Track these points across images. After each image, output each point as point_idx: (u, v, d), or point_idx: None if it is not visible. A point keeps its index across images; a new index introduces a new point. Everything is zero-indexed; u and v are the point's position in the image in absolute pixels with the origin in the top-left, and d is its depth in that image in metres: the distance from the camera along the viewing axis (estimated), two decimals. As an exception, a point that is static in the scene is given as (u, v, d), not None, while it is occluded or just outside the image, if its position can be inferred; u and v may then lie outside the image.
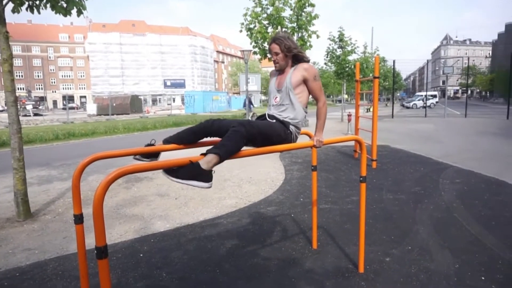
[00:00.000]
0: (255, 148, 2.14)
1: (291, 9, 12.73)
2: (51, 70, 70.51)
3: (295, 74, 2.33)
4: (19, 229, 3.79)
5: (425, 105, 25.23)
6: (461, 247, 3.07)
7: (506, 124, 15.59)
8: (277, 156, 7.72)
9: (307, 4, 12.47)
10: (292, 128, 2.31)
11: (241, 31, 12.86)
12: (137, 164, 1.56)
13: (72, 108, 54.62)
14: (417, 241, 3.22)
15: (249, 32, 12.62)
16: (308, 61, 2.41)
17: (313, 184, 3.09)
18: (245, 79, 15.31)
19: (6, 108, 4.08)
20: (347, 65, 17.51)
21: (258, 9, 12.50)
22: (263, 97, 59.00)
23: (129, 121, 22.08)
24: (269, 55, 2.48)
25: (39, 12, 4.09)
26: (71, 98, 67.66)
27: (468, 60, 24.69)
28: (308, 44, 12.95)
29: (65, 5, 4.04)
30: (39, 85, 68.37)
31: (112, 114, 28.65)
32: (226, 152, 1.84)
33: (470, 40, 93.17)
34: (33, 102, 38.44)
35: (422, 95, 36.70)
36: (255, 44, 12.71)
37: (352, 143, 8.47)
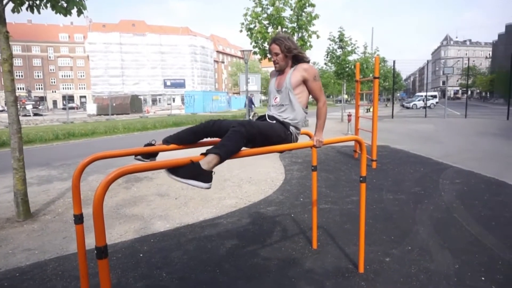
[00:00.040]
0: (255, 148, 2.14)
1: (291, 9, 12.74)
2: (51, 70, 70.51)
3: (294, 74, 2.33)
4: (19, 229, 3.79)
5: (425, 105, 25.25)
6: (461, 247, 3.07)
7: (506, 124, 15.59)
8: (277, 156, 7.72)
9: (307, 4, 12.47)
10: (292, 129, 2.31)
11: (241, 31, 12.87)
12: (137, 164, 1.56)
13: (72, 108, 54.62)
14: (417, 241, 3.22)
15: (249, 32, 12.62)
16: (308, 62, 2.40)
17: (313, 184, 3.09)
18: (245, 79, 15.31)
19: (6, 108, 4.08)
20: (347, 65, 17.51)
21: (258, 9, 12.51)
22: (263, 97, 58.99)
23: (129, 121, 22.08)
24: (269, 56, 2.47)
25: (39, 12, 4.09)
26: (71, 98, 67.67)
27: (468, 60, 24.70)
28: (308, 44, 12.95)
29: (65, 5, 4.05)
30: (39, 85, 68.36)
31: (112, 114, 28.65)
32: (226, 152, 1.84)
33: (470, 40, 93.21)
34: (33, 102, 38.45)
35: (422, 96, 36.71)
36: (255, 44, 12.71)
37: (352, 143, 8.47)
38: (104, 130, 15.14)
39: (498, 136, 11.47)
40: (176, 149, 2.25)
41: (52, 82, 70.75)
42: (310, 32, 12.85)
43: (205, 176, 1.75)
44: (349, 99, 52.80)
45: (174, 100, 59.56)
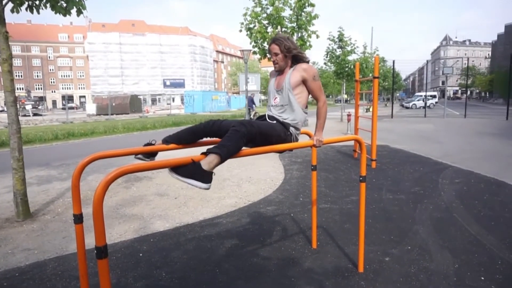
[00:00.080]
0: (255, 147, 2.14)
1: (291, 9, 12.72)
2: (50, 70, 70.44)
3: (294, 74, 2.33)
4: (19, 229, 3.79)
5: (425, 105, 25.26)
6: (461, 247, 3.07)
7: (506, 124, 15.60)
8: (277, 156, 7.72)
9: (307, 4, 12.45)
10: (292, 129, 2.32)
11: (240, 31, 12.85)
12: (136, 163, 1.56)
13: (72, 108, 54.60)
14: (416, 241, 3.22)
15: (248, 32, 12.61)
16: (307, 62, 2.40)
17: (312, 183, 3.10)
18: (244, 79, 15.31)
19: (5, 108, 4.08)
20: (346, 65, 17.50)
21: (258, 9, 12.49)
22: (263, 97, 59.00)
23: (129, 120, 22.07)
24: (268, 55, 2.47)
25: (38, 12, 4.09)
26: (70, 98, 67.65)
27: (468, 60, 24.71)
28: (308, 44, 12.94)
29: (64, 5, 4.04)
30: (38, 85, 68.28)
31: (112, 114, 28.63)
32: (227, 152, 1.85)
33: (469, 40, 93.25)
34: (33, 102, 38.38)
35: (421, 95, 36.76)
36: (254, 44, 12.69)
37: (351, 143, 8.47)
38: (104, 130, 15.13)
39: (497, 136, 11.48)
40: (176, 148, 2.25)
41: (51, 82, 70.68)
42: (309, 32, 12.84)
43: (205, 177, 1.75)
44: (348, 99, 52.81)
45: (173, 100, 59.49)
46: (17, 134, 3.99)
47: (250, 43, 12.78)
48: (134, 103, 37.66)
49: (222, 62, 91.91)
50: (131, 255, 3.05)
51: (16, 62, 63.77)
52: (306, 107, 2.42)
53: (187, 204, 4.55)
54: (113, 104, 32.92)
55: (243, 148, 1.97)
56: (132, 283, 2.58)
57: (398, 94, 65.25)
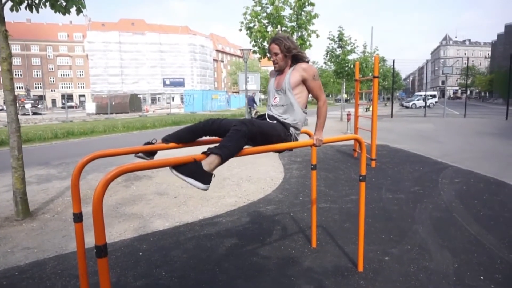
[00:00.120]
0: (255, 147, 2.14)
1: (290, 8, 12.71)
2: (50, 69, 70.34)
3: (293, 74, 2.32)
4: (18, 228, 3.79)
5: (425, 105, 25.26)
6: (460, 246, 3.08)
7: (505, 124, 15.61)
8: (276, 155, 7.72)
9: (307, 3, 12.44)
10: (292, 130, 2.32)
11: (240, 30, 12.83)
12: (136, 162, 1.56)
13: (71, 107, 54.54)
14: (416, 241, 3.22)
15: (248, 31, 12.59)
16: (307, 62, 2.40)
17: (312, 183, 3.09)
18: (244, 78, 15.30)
19: (5, 107, 4.07)
20: (346, 64, 17.49)
21: (258, 8, 12.47)
22: (263, 96, 59.01)
23: (128, 120, 22.06)
24: (268, 55, 2.46)
25: (37, 11, 4.08)
26: (70, 97, 67.51)
27: (468, 60, 24.73)
28: (307, 43, 12.93)
29: (64, 3, 4.03)
30: (38, 84, 68.20)
31: (111, 113, 28.63)
32: (228, 153, 1.84)
33: (469, 40, 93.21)
34: (32, 101, 38.31)
35: (421, 95, 36.77)
36: (254, 43, 12.67)
37: (351, 142, 8.48)
38: (103, 129, 15.12)
39: (497, 135, 11.49)
40: (175, 147, 2.25)
41: (51, 81, 70.59)
42: (309, 31, 12.83)
43: (205, 178, 1.75)
44: (348, 98, 52.82)
45: (173, 99, 59.54)
46: (17, 133, 3.99)
47: (250, 42, 12.77)
48: (133, 102, 37.64)
49: (222, 61, 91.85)
50: (131, 254, 3.05)
51: (16, 61, 63.71)
52: (306, 107, 2.42)
53: (186, 203, 4.55)
54: (113, 103, 32.91)
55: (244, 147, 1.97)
56: (132, 282, 2.58)
57: (398, 94, 65.25)
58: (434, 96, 40.34)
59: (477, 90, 71.81)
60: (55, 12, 4.04)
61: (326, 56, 18.23)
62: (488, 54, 79.79)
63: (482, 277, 2.55)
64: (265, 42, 12.34)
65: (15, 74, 58.87)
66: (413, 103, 36.73)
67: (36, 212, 4.27)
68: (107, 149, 2.09)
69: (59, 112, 41.87)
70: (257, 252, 3.06)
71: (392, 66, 25.87)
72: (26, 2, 3.99)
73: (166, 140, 2.24)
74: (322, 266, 2.78)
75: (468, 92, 52.53)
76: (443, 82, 73.81)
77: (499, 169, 6.11)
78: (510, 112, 17.42)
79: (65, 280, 2.62)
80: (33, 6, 4.02)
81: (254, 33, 12.35)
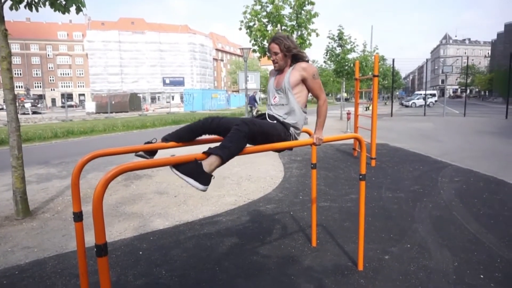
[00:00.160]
0: (254, 146, 2.14)
1: (290, 7, 12.69)
2: (49, 68, 70.25)
3: (293, 74, 2.32)
4: (18, 227, 3.79)
5: (425, 104, 25.26)
6: (460, 245, 3.08)
7: (505, 123, 15.62)
8: (276, 154, 7.72)
9: (306, 2, 12.42)
10: (292, 129, 2.32)
11: (240, 29, 12.82)
12: (136, 161, 1.56)
13: (71, 106, 54.45)
14: (416, 239, 3.22)
15: (248, 30, 12.58)
16: (307, 61, 2.40)
17: (312, 182, 3.09)
18: (244, 77, 15.29)
19: (4, 106, 4.07)
20: (346, 63, 17.48)
21: (258, 7, 12.45)
22: (263, 95, 59.01)
23: (128, 119, 22.06)
24: (268, 54, 2.46)
25: (37, 10, 4.08)
26: (69, 96, 67.41)
27: (468, 59, 24.72)
28: (307, 42, 12.91)
29: (64, 2, 4.03)
30: (37, 83, 68.14)
31: (111, 112, 28.63)
32: (228, 154, 1.84)
33: (469, 39, 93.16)
34: (32, 100, 38.25)
35: (421, 94, 36.77)
36: (254, 42, 12.66)
37: (351, 141, 8.48)
38: (103, 128, 15.11)
39: (496, 134, 11.50)
40: (175, 146, 2.25)
41: (50, 80, 70.51)
42: (309, 30, 12.81)
43: (204, 179, 1.75)
44: (348, 97, 52.78)
45: (173, 98, 59.46)
46: (17, 132, 3.99)
47: (250, 41, 12.75)
48: (133, 101, 37.61)
49: (222, 60, 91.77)
50: (131, 253, 3.05)
51: (15, 60, 63.62)
52: (305, 106, 2.42)
53: (186, 202, 4.55)
54: (113, 102, 32.91)
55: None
56: (132, 281, 2.58)
57: (397, 93, 65.24)
58: (434, 95, 40.34)
59: (477, 89, 71.78)
60: (55, 11, 4.03)
61: (326, 55, 18.22)
62: (488, 53, 79.65)
63: (482, 276, 2.55)
64: (265, 41, 12.32)
65: (15, 73, 58.86)
66: (413, 102, 36.73)
67: (36, 211, 4.27)
68: (107, 148, 2.09)
69: (59, 111, 41.84)
70: (257, 251, 3.06)
71: (392, 65, 25.84)
72: (25, 1, 3.98)
73: (166, 139, 2.24)
74: (322, 265, 2.78)
75: (468, 91, 52.52)
76: (443, 81, 73.75)
77: (498, 168, 6.11)
78: (510, 111, 17.43)
79: (65, 279, 2.62)
80: (32, 5, 4.01)
81: (254, 32, 12.33)
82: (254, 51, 13.15)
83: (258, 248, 3.13)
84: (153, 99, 70.10)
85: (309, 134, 2.70)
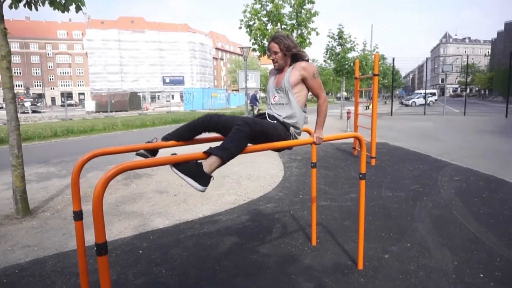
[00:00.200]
0: (254, 145, 2.14)
1: (290, 6, 12.68)
2: (49, 67, 70.18)
3: (293, 73, 2.32)
4: (18, 226, 3.79)
5: (425, 102, 25.25)
6: (460, 244, 3.08)
7: (505, 122, 15.61)
8: (276, 153, 7.72)
9: (307, 1, 12.41)
10: (292, 129, 2.32)
11: (240, 28, 12.80)
12: (136, 160, 1.56)
13: (71, 105, 54.43)
14: (416, 238, 3.23)
15: (248, 29, 12.56)
16: (307, 60, 2.39)
17: (312, 181, 3.09)
18: (244, 76, 15.27)
19: (4, 105, 4.07)
20: (346, 62, 17.48)
21: (258, 6, 12.44)
22: (263, 94, 58.99)
23: (128, 118, 22.05)
24: (268, 53, 2.46)
25: (36, 9, 4.06)
26: (69, 95, 67.36)
27: (468, 58, 24.71)
28: (307, 41, 12.90)
29: (63, 1, 4.02)
30: (37, 82, 68.10)
31: (111, 111, 28.61)
32: (229, 155, 1.84)
33: (469, 38, 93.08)
34: (32, 99, 38.18)
35: (421, 93, 36.75)
36: (254, 41, 12.65)
37: (351, 140, 8.48)
38: (103, 127, 15.10)
39: (496, 133, 11.49)
40: (175, 145, 2.24)
41: (50, 79, 70.46)
42: (309, 29, 12.80)
43: (203, 179, 1.75)
44: (348, 96, 52.76)
45: (173, 97, 59.45)
46: (16, 131, 3.98)
47: (250, 40, 12.74)
48: (133, 100, 37.56)
49: (222, 59, 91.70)
50: (131, 252, 3.05)
51: (15, 59, 63.58)
52: (305, 105, 2.41)
53: (186, 201, 4.55)
54: (112, 101, 32.88)
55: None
56: (132, 280, 2.58)
57: (397, 92, 65.21)
58: (434, 94, 40.32)
59: (477, 88, 71.76)
60: (54, 9, 4.02)
61: (326, 54, 18.21)
62: (488, 52, 79.60)
63: (481, 275, 2.55)
64: (265, 40, 12.31)
65: (14, 72, 58.67)
66: (413, 101, 36.70)
67: (36, 210, 4.27)
68: (106, 147, 2.09)
69: (59, 110, 41.81)
70: (257, 250, 3.06)
71: (392, 64, 25.84)
72: (25, -1, 3.98)
73: (166, 138, 2.24)
74: (322, 264, 2.78)
75: (468, 90, 52.51)
76: (442, 80, 73.75)
77: (498, 167, 6.11)
78: (510, 110, 17.43)
79: (65, 278, 2.62)
80: (32, 4, 4.00)
81: (254, 31, 12.32)
82: (254, 50, 13.14)
83: (258, 247, 3.13)
84: (153, 98, 70.03)
85: (309, 133, 2.70)
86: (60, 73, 71.45)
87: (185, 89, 44.10)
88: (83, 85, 72.28)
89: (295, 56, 2.37)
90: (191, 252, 3.05)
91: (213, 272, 2.69)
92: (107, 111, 27.84)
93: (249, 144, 2.08)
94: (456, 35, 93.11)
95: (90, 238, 2.47)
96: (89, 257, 2.54)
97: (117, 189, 5.18)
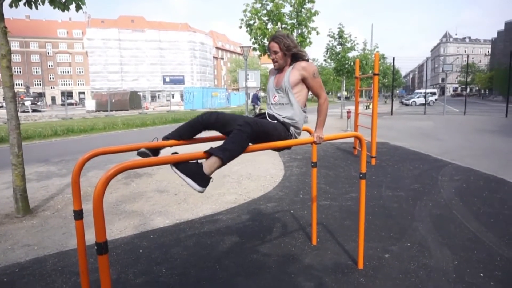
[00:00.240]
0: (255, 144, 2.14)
1: (291, 6, 12.68)
2: (49, 66, 70.19)
3: (293, 73, 2.31)
4: (18, 225, 3.79)
5: (425, 102, 25.24)
6: (460, 244, 3.08)
7: (505, 122, 15.61)
8: (276, 153, 7.72)
9: (307, 1, 12.41)
10: (292, 129, 2.32)
11: (240, 27, 12.80)
12: (136, 160, 1.56)
13: (71, 104, 54.43)
14: (416, 238, 3.23)
15: (248, 29, 12.56)
16: (307, 60, 2.39)
17: (312, 180, 3.09)
18: (244, 75, 15.27)
19: (4, 104, 4.07)
20: (346, 62, 17.48)
21: (258, 5, 12.43)
22: (263, 94, 58.98)
23: (128, 117, 22.04)
24: (268, 53, 2.46)
25: (36, 8, 4.06)
26: (69, 94, 67.37)
27: (468, 58, 24.69)
28: (307, 40, 12.90)
29: (63, 0, 4.01)
30: (37, 81, 68.08)
31: (111, 110, 28.61)
32: (229, 156, 1.84)
33: (469, 38, 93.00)
34: (32, 98, 38.14)
35: (421, 93, 36.73)
36: (254, 41, 12.65)
37: (351, 140, 8.48)
38: (103, 126, 15.10)
39: (496, 133, 11.49)
40: (175, 144, 2.24)
41: (50, 78, 70.48)
42: (309, 29, 12.80)
43: (203, 180, 1.75)
44: (349, 96, 52.73)
45: (173, 97, 59.44)
46: (17, 130, 3.98)
47: (250, 40, 12.74)
48: (133, 100, 37.55)
49: (222, 58, 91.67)
50: (131, 251, 3.05)
51: (15, 58, 63.62)
52: (305, 105, 2.41)
53: (187, 200, 4.55)
54: (113, 100, 32.88)
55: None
56: (132, 279, 2.58)
57: (398, 91, 65.17)
58: (434, 93, 40.30)
59: (477, 88, 71.70)
60: (54, 8, 4.02)
61: (326, 54, 18.21)
62: (488, 51, 79.52)
63: (481, 274, 2.55)
64: (265, 39, 12.32)
65: (15, 71, 58.64)
66: (413, 101, 36.68)
67: (36, 209, 4.27)
68: (107, 146, 2.09)
69: (59, 109, 41.82)
70: (257, 250, 3.06)
71: (392, 64, 25.83)
72: (25, -2, 3.97)
73: (167, 138, 2.24)
74: (322, 263, 2.78)
75: (468, 89, 52.43)
76: (443, 80, 73.68)
77: (498, 167, 6.11)
78: (510, 110, 17.42)
79: (66, 277, 2.62)
80: (32, 3, 4.00)
81: (254, 30, 12.32)
82: (254, 49, 13.14)
83: (258, 247, 3.13)
84: (153, 97, 70.03)
85: (310, 132, 2.70)
86: (60, 72, 71.46)
87: (185, 88, 44.09)
88: (83, 84, 72.28)
89: (295, 55, 2.37)
90: (192, 251, 3.05)
91: (213, 271, 2.69)
92: (107, 110, 27.84)
93: (249, 144, 2.09)
94: (456, 35, 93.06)
95: (90, 237, 2.47)
96: (90, 256, 2.54)
97: (117, 188, 5.18)
